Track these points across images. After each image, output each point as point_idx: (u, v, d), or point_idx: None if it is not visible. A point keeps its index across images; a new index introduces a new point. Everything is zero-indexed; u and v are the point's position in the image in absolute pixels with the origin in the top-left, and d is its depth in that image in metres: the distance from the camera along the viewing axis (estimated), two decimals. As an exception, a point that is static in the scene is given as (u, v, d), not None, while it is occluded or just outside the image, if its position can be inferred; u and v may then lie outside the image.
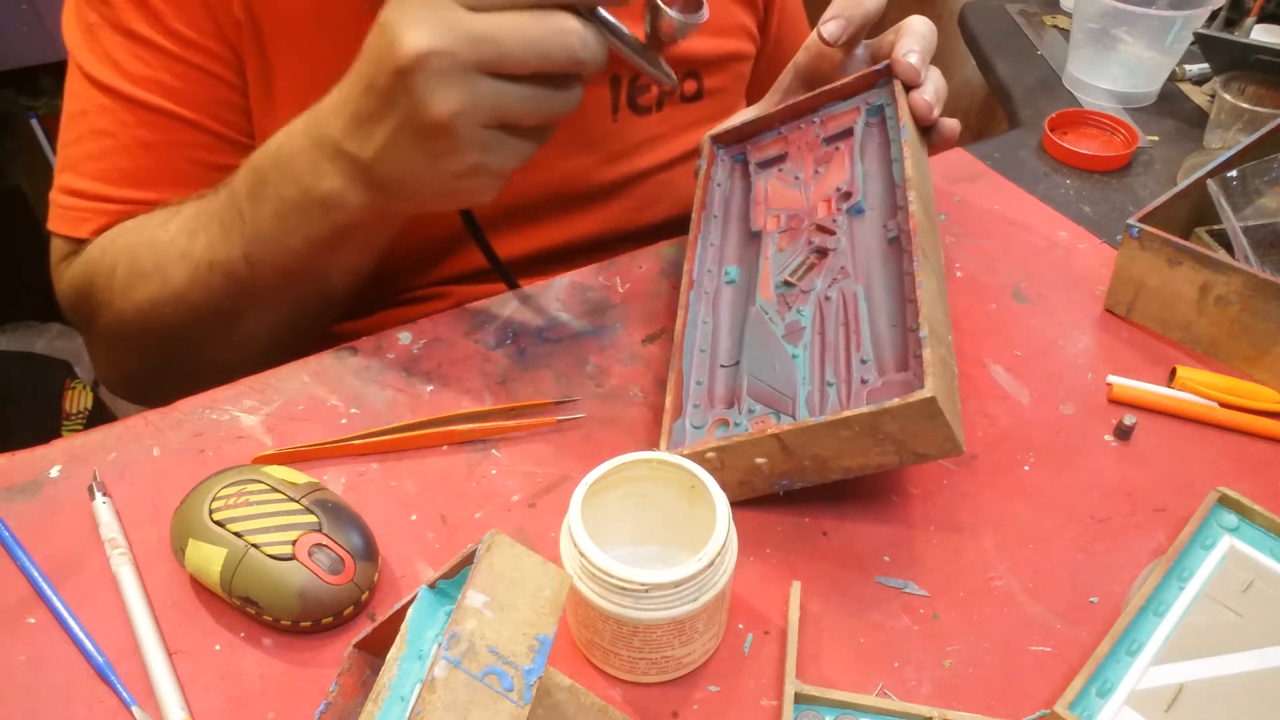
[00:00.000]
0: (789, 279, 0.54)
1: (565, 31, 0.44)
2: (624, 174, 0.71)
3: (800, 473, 0.47)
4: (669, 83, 0.52)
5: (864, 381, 0.47)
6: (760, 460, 0.46)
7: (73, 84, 0.60)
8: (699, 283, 0.57)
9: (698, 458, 0.46)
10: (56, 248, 0.63)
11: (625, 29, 0.49)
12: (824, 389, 0.48)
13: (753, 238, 0.59)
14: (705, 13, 0.49)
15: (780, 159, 0.62)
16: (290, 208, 0.52)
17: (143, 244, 0.58)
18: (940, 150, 0.62)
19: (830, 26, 0.58)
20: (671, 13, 0.48)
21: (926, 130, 0.59)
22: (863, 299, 0.51)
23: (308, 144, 0.50)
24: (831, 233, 0.55)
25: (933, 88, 0.57)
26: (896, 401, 0.42)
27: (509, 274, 0.64)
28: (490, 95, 0.44)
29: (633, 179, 0.71)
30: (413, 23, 0.43)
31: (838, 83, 0.61)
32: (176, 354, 0.61)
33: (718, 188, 0.63)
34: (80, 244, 0.62)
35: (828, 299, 0.52)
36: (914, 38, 0.58)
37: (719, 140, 0.65)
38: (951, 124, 0.60)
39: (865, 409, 0.43)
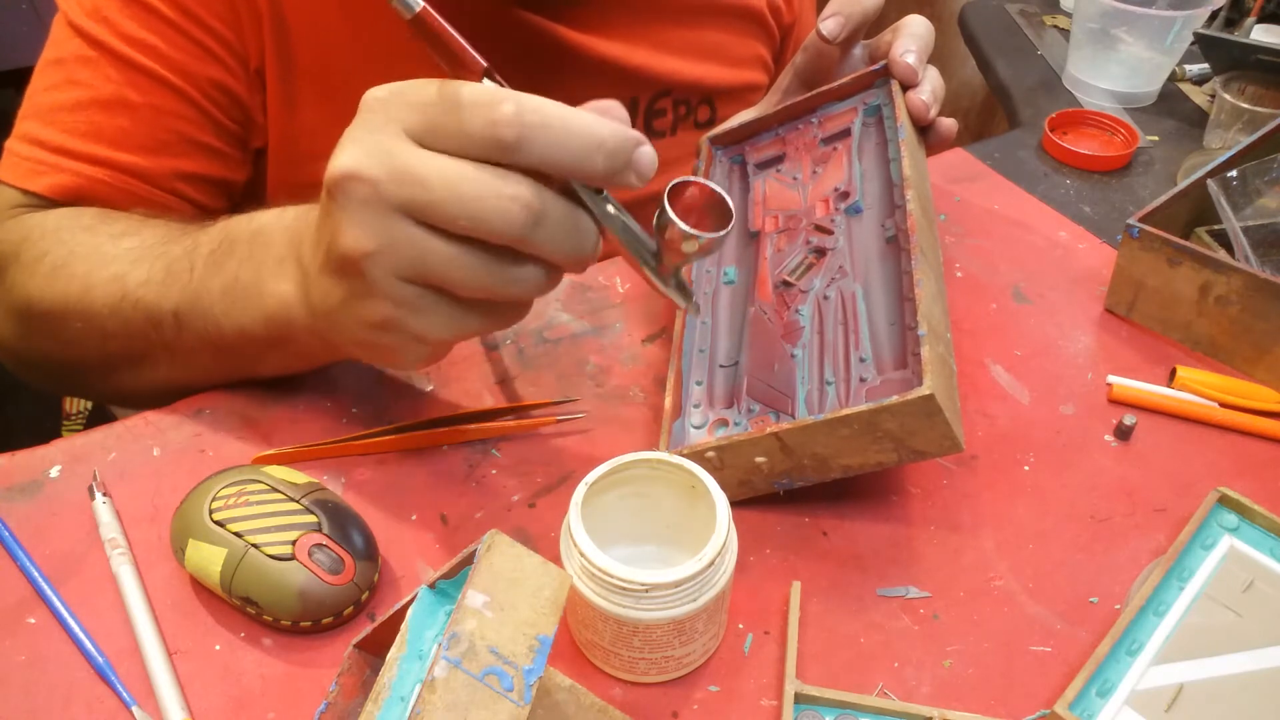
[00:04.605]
0: (787, 279, 0.54)
1: (510, 198, 0.36)
2: (636, 195, 0.71)
3: (800, 471, 0.47)
4: (689, 307, 0.44)
5: (863, 380, 0.47)
6: (760, 459, 0.46)
7: (56, 33, 0.57)
8: (697, 283, 0.57)
9: (697, 457, 0.46)
10: (2, 196, 0.58)
11: (638, 227, 0.41)
12: (823, 388, 0.48)
13: (751, 238, 0.59)
14: (729, 230, 0.40)
15: (778, 160, 0.62)
16: (239, 292, 0.47)
17: (85, 247, 0.54)
18: (938, 150, 0.62)
19: (829, 24, 0.58)
20: (679, 222, 0.39)
21: (924, 130, 0.59)
22: (861, 298, 0.51)
23: (286, 238, 0.45)
24: (829, 232, 0.55)
25: (930, 87, 0.57)
26: (895, 399, 0.42)
27: None
28: (410, 245, 0.37)
29: (642, 202, 0.72)
30: (351, 141, 0.38)
31: (835, 83, 0.61)
32: (70, 365, 0.57)
33: None
34: (31, 197, 0.57)
35: (826, 298, 0.52)
36: (911, 38, 0.58)
37: (717, 142, 0.65)
38: (949, 124, 0.60)
39: (864, 407, 0.43)
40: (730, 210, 0.41)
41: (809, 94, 0.62)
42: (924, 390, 0.42)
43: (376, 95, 0.38)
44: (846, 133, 0.60)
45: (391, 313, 0.39)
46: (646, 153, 0.38)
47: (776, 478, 0.47)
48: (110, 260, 0.53)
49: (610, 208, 0.40)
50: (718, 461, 0.47)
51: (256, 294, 0.46)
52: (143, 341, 0.52)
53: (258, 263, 0.47)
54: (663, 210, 0.39)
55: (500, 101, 0.35)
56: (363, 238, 0.37)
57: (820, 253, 0.54)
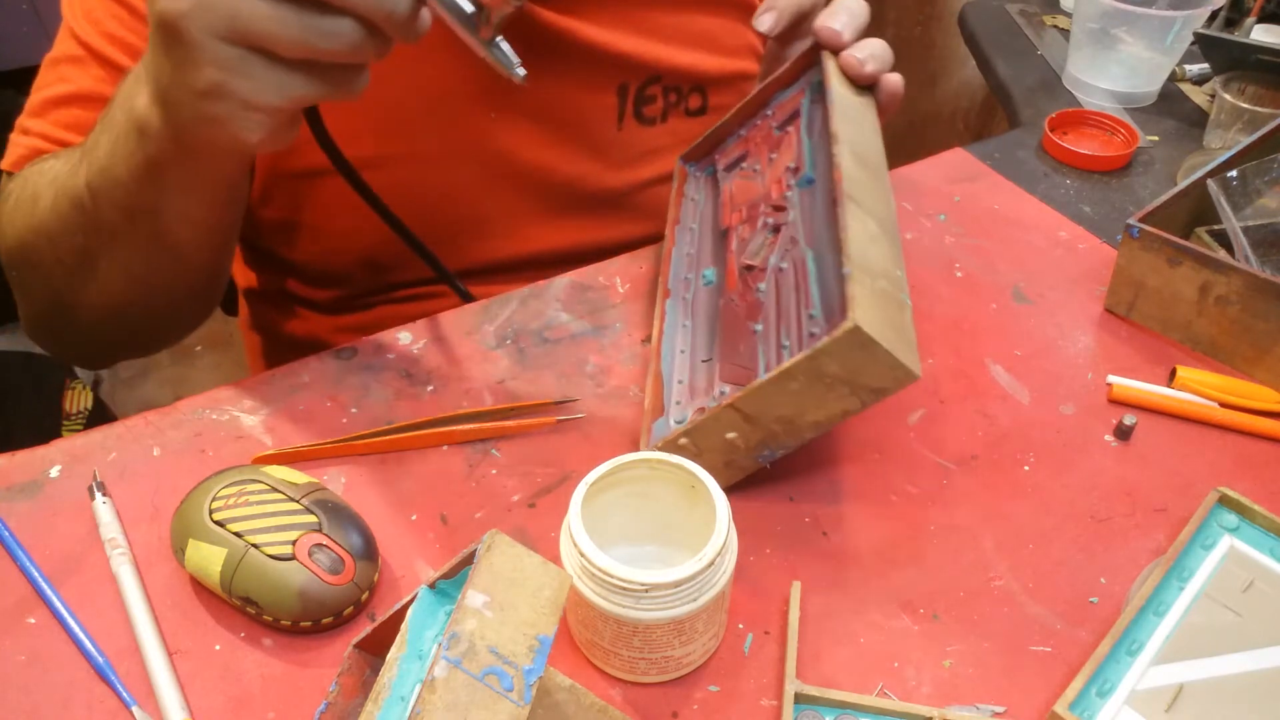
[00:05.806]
0: (749, 262, 0.54)
1: None
2: (626, 183, 0.71)
3: (774, 438, 0.46)
4: (512, 73, 0.44)
5: (812, 335, 0.46)
6: (731, 435, 0.46)
7: (59, 36, 0.61)
8: (675, 291, 0.57)
9: (672, 447, 0.46)
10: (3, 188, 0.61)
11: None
12: (779, 352, 0.48)
13: (722, 236, 0.59)
14: None
15: (742, 158, 0.62)
16: (119, 133, 0.49)
17: (43, 175, 0.56)
18: (890, 107, 0.60)
19: (765, 19, 0.58)
20: None
21: (871, 89, 0.59)
22: (812, 260, 0.50)
23: (143, 68, 0.46)
24: (784, 209, 0.55)
25: (868, 50, 0.57)
26: (825, 339, 0.42)
27: (460, 286, 0.63)
28: (225, 2, 0.39)
29: (634, 189, 0.72)
30: None
31: (778, 71, 0.61)
32: (49, 292, 0.59)
33: (692, 203, 0.63)
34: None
35: (781, 269, 0.52)
36: (838, 6, 0.57)
37: (689, 158, 0.66)
38: (894, 78, 0.58)
39: (801, 355, 0.42)
40: None
41: (758, 88, 0.62)
42: (848, 324, 0.41)
43: None
44: (797, 114, 0.60)
45: (217, 76, 0.40)
46: None
47: (756, 451, 0.47)
48: (55, 171, 0.55)
49: None
50: (693, 447, 0.47)
51: (128, 125, 0.47)
52: (78, 232, 0.53)
53: (123, 99, 0.48)
54: None
55: None
56: None
57: (777, 230, 0.54)
